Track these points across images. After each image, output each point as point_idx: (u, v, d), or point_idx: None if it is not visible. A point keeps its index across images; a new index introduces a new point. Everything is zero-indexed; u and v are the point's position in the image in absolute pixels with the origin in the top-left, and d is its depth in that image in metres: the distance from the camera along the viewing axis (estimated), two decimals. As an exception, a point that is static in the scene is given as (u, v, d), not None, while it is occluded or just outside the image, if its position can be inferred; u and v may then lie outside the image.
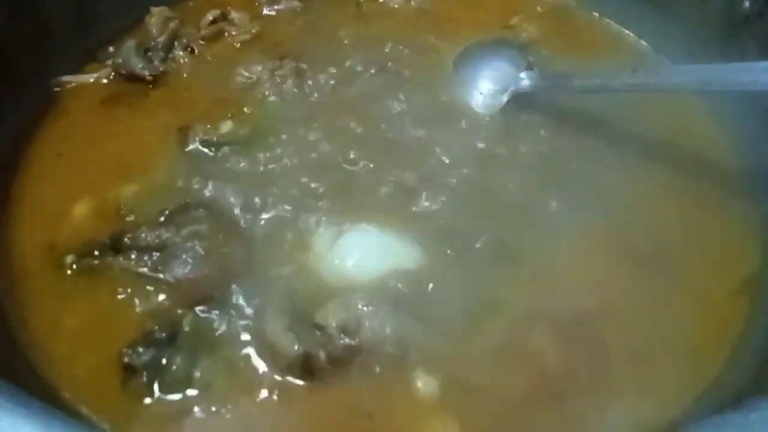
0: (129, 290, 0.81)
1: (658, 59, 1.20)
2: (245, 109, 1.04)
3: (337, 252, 0.85)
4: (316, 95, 1.07)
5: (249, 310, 0.79)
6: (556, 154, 1.00)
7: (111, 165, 0.96)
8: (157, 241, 0.82)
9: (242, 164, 0.96)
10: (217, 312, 0.79)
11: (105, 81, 1.11)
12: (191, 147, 0.98)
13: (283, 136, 0.99)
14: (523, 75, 1.07)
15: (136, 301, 0.81)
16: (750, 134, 1.03)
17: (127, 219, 0.88)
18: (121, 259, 0.83)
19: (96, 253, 0.84)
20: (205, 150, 0.98)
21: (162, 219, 0.86)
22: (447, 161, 0.97)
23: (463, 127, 1.03)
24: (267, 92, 1.06)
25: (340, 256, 0.84)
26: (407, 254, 0.85)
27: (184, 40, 1.15)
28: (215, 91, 1.08)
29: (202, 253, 0.81)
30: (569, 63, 1.15)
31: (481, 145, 1.00)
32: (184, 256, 0.81)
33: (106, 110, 1.06)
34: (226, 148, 0.98)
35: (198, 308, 0.79)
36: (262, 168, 0.95)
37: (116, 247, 0.84)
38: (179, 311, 0.78)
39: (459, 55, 1.14)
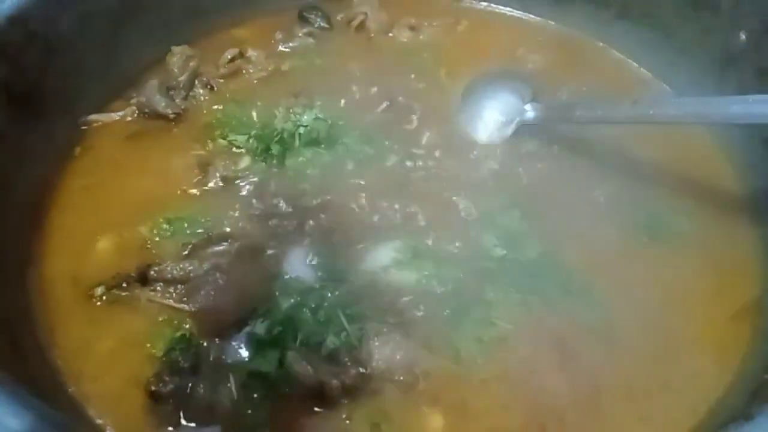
0: (155, 320, 0.86)
1: (659, 87, 1.23)
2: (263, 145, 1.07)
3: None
4: (329, 130, 1.09)
5: (267, 340, 0.82)
6: (560, 184, 1.02)
7: (135, 200, 1.01)
8: (181, 273, 0.87)
9: (259, 198, 0.99)
10: (237, 342, 0.83)
11: (129, 119, 1.15)
12: (212, 182, 1.02)
13: (299, 171, 1.03)
14: (527, 107, 1.10)
15: (162, 330, 0.84)
16: (752, 160, 1.05)
17: (153, 252, 0.93)
18: (148, 290, 0.87)
19: (124, 284, 0.88)
20: (225, 185, 1.02)
21: (186, 252, 0.90)
22: (454, 192, 1.00)
23: (470, 158, 1.06)
24: (283, 128, 1.09)
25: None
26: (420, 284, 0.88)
27: (204, 78, 1.19)
28: (234, 127, 1.11)
29: (223, 285, 0.84)
30: (574, 92, 1.18)
31: (487, 176, 1.03)
32: (206, 288, 0.84)
33: (131, 146, 1.10)
34: (244, 183, 1.02)
35: (219, 338, 0.83)
36: (278, 202, 0.98)
37: (143, 279, 0.88)
38: (202, 341, 0.82)
39: (466, 88, 1.18)
